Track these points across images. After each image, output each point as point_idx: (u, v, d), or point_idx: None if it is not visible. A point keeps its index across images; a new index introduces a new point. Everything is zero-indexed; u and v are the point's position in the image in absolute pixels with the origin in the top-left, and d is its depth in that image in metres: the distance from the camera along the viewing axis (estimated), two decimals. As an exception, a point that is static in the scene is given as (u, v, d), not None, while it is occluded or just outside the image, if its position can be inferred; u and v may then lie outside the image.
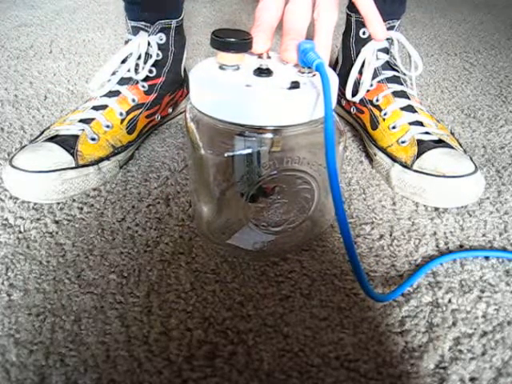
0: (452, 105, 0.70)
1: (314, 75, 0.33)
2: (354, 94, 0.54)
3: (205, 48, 0.91)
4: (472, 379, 0.30)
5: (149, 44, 0.52)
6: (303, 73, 0.33)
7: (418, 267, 0.39)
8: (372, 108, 0.54)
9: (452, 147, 0.47)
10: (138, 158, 0.54)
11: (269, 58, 0.35)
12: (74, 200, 0.46)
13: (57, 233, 0.42)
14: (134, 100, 0.52)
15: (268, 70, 0.33)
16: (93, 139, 0.47)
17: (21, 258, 0.39)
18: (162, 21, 0.53)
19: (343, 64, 0.60)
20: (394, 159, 0.49)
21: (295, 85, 0.31)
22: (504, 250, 0.41)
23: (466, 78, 0.81)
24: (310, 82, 0.32)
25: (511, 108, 0.69)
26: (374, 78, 0.54)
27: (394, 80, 0.54)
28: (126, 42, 0.53)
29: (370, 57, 0.53)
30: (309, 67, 0.32)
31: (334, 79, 0.32)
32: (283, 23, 0.34)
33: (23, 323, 0.33)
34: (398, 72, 0.55)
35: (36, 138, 0.48)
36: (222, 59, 0.33)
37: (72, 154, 0.45)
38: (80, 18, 1.08)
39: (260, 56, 0.35)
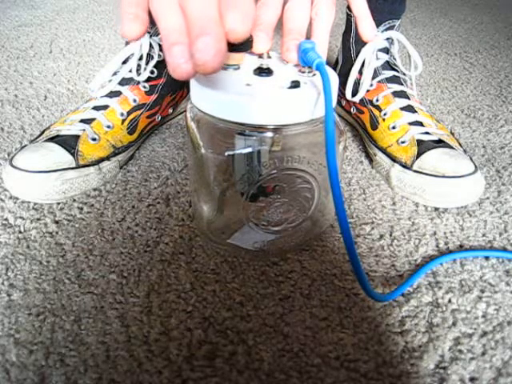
0: (452, 105, 0.70)
1: (315, 75, 0.33)
2: (354, 93, 0.55)
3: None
4: (472, 379, 0.30)
5: (150, 45, 0.52)
6: (303, 72, 0.33)
7: (418, 267, 0.39)
8: (372, 108, 0.54)
9: (452, 147, 0.47)
10: (138, 158, 0.54)
11: (269, 57, 0.35)
12: (74, 200, 0.46)
13: (57, 233, 0.42)
14: (135, 100, 0.52)
15: (268, 69, 0.33)
16: (93, 139, 0.47)
17: (21, 257, 0.39)
18: None
19: (343, 64, 0.60)
20: (393, 159, 0.49)
21: (295, 84, 0.31)
22: (504, 250, 0.41)
23: (466, 77, 0.81)
24: (311, 82, 0.32)
25: (511, 108, 0.69)
26: (373, 77, 0.54)
27: (394, 80, 0.54)
28: (127, 43, 0.53)
29: (369, 57, 0.53)
30: (309, 66, 0.32)
31: (334, 78, 0.32)
32: (283, 22, 0.34)
33: (23, 323, 0.33)
34: (398, 72, 0.55)
35: (36, 137, 0.48)
36: (222, 59, 0.33)
37: (72, 154, 0.45)
38: (80, 18, 1.08)
39: (260, 55, 0.35)
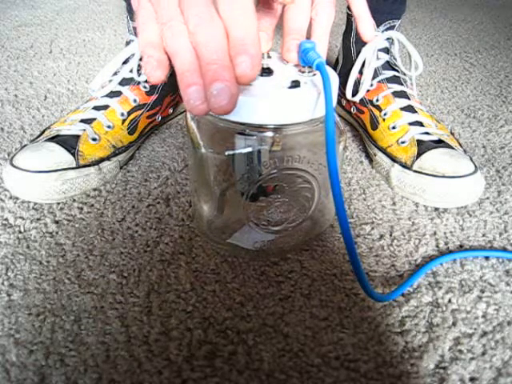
0: (452, 105, 0.70)
1: (315, 74, 0.33)
2: (355, 93, 0.55)
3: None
4: (472, 379, 0.30)
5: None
6: (303, 72, 0.33)
7: (418, 267, 0.39)
8: (372, 108, 0.54)
9: (452, 147, 0.47)
10: (138, 158, 0.54)
11: (269, 57, 0.35)
12: (74, 200, 0.46)
13: (57, 233, 0.42)
14: (135, 100, 0.52)
15: (269, 69, 0.33)
16: (94, 139, 0.47)
17: (21, 257, 0.39)
18: None
19: (343, 64, 0.60)
20: (393, 159, 0.49)
21: (296, 84, 0.31)
22: (504, 250, 0.41)
23: (466, 77, 0.81)
24: (311, 82, 0.32)
25: (511, 108, 0.69)
26: (374, 77, 0.54)
27: (394, 80, 0.54)
28: (128, 43, 0.53)
29: (370, 57, 0.53)
30: (309, 66, 0.32)
31: (334, 78, 0.32)
32: (283, 22, 0.34)
33: (23, 323, 0.33)
34: (398, 72, 0.55)
35: (36, 137, 0.48)
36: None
37: (73, 154, 0.45)
38: (80, 18, 1.08)
39: (260, 56, 0.35)
